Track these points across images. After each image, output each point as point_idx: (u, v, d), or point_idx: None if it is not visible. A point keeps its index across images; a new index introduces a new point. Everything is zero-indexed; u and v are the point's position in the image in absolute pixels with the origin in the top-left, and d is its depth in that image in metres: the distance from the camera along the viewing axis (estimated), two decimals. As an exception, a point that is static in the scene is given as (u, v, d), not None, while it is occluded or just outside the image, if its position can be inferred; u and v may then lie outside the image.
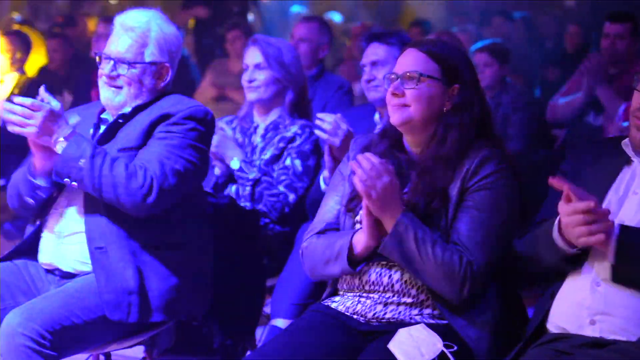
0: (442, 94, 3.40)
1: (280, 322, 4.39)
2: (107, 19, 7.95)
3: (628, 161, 3.21)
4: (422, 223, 3.27)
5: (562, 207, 2.99)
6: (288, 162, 4.85)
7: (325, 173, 4.55)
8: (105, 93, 3.90)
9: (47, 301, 3.60)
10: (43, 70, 9.31)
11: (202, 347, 4.32)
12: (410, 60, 3.41)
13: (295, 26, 6.81)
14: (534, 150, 6.74)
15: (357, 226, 3.42)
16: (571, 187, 2.95)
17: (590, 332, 3.03)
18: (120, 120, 3.85)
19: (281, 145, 4.88)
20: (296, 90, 5.01)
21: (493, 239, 3.27)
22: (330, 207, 3.54)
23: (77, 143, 3.65)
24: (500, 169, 3.32)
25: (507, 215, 3.31)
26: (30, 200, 3.82)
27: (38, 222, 3.89)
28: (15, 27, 9.89)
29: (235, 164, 4.83)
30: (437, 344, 3.20)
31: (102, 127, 3.92)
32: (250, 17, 10.73)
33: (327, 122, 4.38)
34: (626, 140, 3.24)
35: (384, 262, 3.34)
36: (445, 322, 3.28)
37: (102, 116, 3.97)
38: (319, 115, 4.46)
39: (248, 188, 4.79)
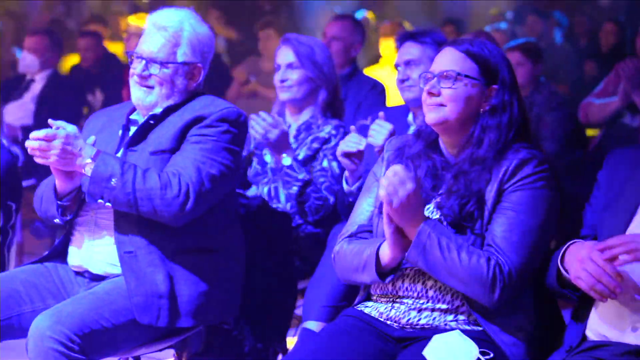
0: (480, 95, 3.33)
1: (312, 325, 4.33)
2: (140, 18, 7.93)
3: None
4: (446, 229, 3.20)
5: (594, 254, 2.97)
6: (325, 164, 4.79)
7: (346, 173, 4.52)
8: (137, 93, 3.85)
9: (76, 304, 3.56)
10: (75, 69, 9.31)
11: (233, 350, 4.28)
12: (448, 59, 3.34)
13: (327, 25, 6.76)
14: (569, 151, 6.65)
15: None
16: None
17: (632, 339, 2.96)
18: (151, 122, 3.81)
19: (315, 145, 4.82)
20: (329, 90, 4.96)
21: (529, 241, 3.19)
22: (363, 209, 3.48)
23: (104, 163, 3.59)
24: (539, 170, 3.24)
25: (545, 218, 3.23)
26: (57, 221, 3.79)
27: (68, 225, 3.85)
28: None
29: (286, 161, 4.77)
30: (473, 351, 3.14)
31: (132, 129, 3.88)
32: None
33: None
34: None
35: (417, 268, 3.28)
36: (480, 328, 3.22)
37: (131, 117, 3.93)
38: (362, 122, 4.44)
39: (295, 188, 4.73)
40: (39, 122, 7.38)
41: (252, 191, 4.87)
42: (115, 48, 10.19)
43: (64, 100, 7.59)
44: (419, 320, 3.27)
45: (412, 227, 3.18)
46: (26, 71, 7.77)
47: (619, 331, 2.99)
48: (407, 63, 4.73)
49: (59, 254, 3.89)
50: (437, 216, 3.26)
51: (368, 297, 3.44)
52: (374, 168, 3.54)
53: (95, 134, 3.84)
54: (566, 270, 3.08)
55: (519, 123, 3.33)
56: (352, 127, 4.49)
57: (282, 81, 4.93)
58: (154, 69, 3.82)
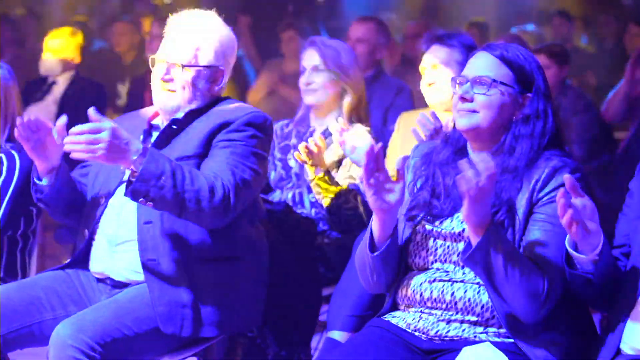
0: (513, 102, 3.25)
1: (337, 335, 4.26)
2: (162, 20, 7.89)
3: None
4: (507, 238, 3.12)
5: None
6: (354, 171, 4.72)
7: None
8: (159, 97, 3.80)
9: (98, 312, 3.52)
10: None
11: (256, 358, 4.24)
12: (482, 65, 3.26)
13: (352, 27, 6.70)
14: (596, 155, 6.57)
15: (418, 236, 3.31)
16: None
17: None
18: (174, 127, 3.75)
19: (341, 151, 4.75)
20: (354, 94, 4.89)
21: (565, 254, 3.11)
22: None
23: (155, 160, 3.47)
24: None
25: None
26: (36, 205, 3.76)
27: (87, 232, 3.80)
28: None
29: (319, 173, 4.69)
30: (503, 363, 3.06)
31: (155, 134, 3.83)
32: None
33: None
34: None
35: (446, 278, 3.22)
36: (511, 341, 3.15)
37: (153, 122, 3.88)
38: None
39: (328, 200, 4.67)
40: (61, 124, 7.35)
41: (276, 196, 4.82)
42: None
43: (86, 103, 7.54)
44: (448, 331, 3.20)
45: (480, 227, 3.04)
46: (48, 73, 7.74)
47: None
48: (433, 66, 4.66)
49: (81, 260, 3.84)
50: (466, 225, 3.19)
51: (395, 307, 3.37)
52: None
53: None
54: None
55: (552, 132, 3.25)
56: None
57: (307, 84, 4.88)
58: (176, 73, 3.76)
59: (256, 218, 3.87)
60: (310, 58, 4.90)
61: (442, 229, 3.25)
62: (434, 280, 3.23)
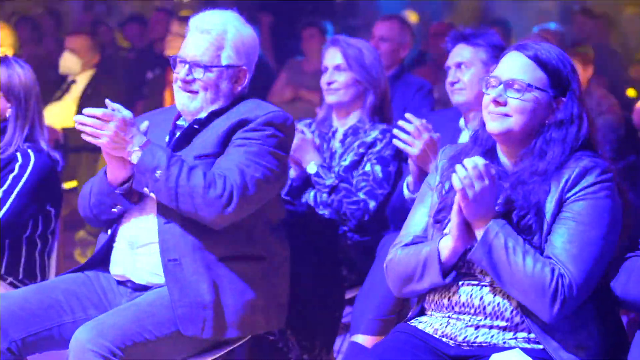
0: (547, 107, 3.17)
1: (361, 339, 4.21)
2: (182, 19, 7.85)
3: None
4: (514, 232, 3.07)
5: None
6: (368, 167, 4.66)
7: (409, 179, 4.37)
8: (181, 98, 3.75)
9: (118, 316, 3.47)
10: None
11: (278, 362, 4.19)
12: (517, 67, 3.18)
13: (375, 25, 6.65)
14: (622, 156, 6.49)
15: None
16: None
17: None
18: (196, 126, 3.71)
19: (361, 150, 4.70)
20: (377, 93, 4.83)
21: (591, 253, 3.05)
22: (417, 220, 3.35)
23: (152, 153, 3.54)
24: (602, 180, 3.10)
25: (608, 229, 3.08)
26: (115, 210, 3.70)
27: (110, 232, 3.76)
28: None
29: (311, 169, 4.66)
30: (533, 370, 3.01)
31: (178, 134, 3.77)
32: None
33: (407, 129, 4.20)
34: None
35: (474, 282, 3.15)
36: (541, 347, 3.08)
37: (178, 123, 3.83)
38: (401, 123, 4.26)
39: (324, 195, 4.62)
40: (80, 123, 7.33)
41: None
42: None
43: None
44: (476, 337, 3.13)
45: (482, 223, 3.06)
46: (67, 72, 7.71)
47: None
48: (458, 65, 4.60)
49: (101, 262, 3.80)
50: None
51: (422, 312, 3.31)
52: (427, 178, 3.41)
53: None
54: None
55: (585, 137, 3.18)
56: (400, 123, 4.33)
57: (329, 83, 4.82)
58: (198, 73, 3.72)
59: (277, 218, 3.82)
60: (333, 57, 4.84)
61: None
62: (462, 284, 3.17)
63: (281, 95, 8.41)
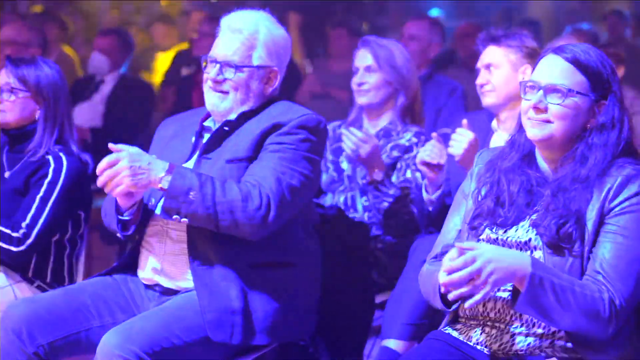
0: (589, 111, 3.09)
1: (393, 344, 4.17)
2: (212, 19, 7.80)
3: None
4: (549, 267, 2.97)
5: None
6: (409, 174, 4.60)
7: (425, 181, 4.36)
8: (211, 99, 3.70)
9: (146, 321, 3.42)
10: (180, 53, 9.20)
11: (308, 367, 4.13)
12: (556, 71, 3.08)
13: (405, 25, 6.60)
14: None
15: None
16: None
17: None
18: (226, 128, 3.65)
19: (395, 154, 4.64)
20: (408, 94, 4.79)
21: (638, 269, 2.97)
22: (449, 229, 3.30)
23: (181, 175, 3.43)
24: None
25: None
26: (119, 235, 3.65)
27: (138, 236, 3.72)
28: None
29: (378, 176, 4.58)
30: (570, 380, 2.94)
31: (206, 136, 3.73)
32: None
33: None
34: None
35: (510, 289, 3.06)
36: (578, 356, 3.01)
37: (205, 124, 3.77)
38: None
39: (386, 203, 4.55)
40: (108, 123, 7.30)
41: (328, 200, 4.71)
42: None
43: (134, 102, 7.50)
44: (512, 345, 3.06)
45: (521, 274, 2.90)
46: (95, 72, 7.68)
47: None
48: (487, 67, 4.54)
49: (129, 266, 3.76)
50: (534, 234, 3.05)
51: (456, 319, 3.24)
52: (462, 185, 3.33)
53: (167, 142, 3.76)
54: None
55: (626, 141, 3.10)
56: (434, 135, 4.29)
57: (360, 84, 4.78)
58: (229, 73, 3.67)
59: (309, 223, 3.77)
60: (363, 58, 4.80)
61: (507, 238, 3.10)
62: (498, 291, 3.08)
63: (308, 94, 8.36)
